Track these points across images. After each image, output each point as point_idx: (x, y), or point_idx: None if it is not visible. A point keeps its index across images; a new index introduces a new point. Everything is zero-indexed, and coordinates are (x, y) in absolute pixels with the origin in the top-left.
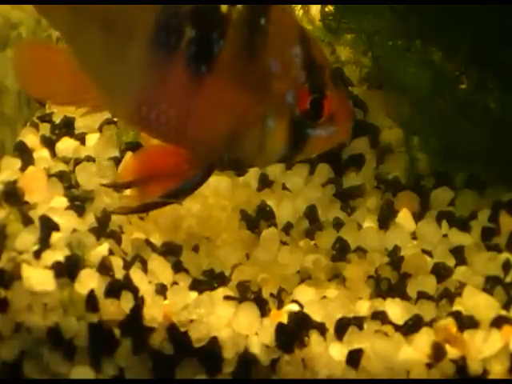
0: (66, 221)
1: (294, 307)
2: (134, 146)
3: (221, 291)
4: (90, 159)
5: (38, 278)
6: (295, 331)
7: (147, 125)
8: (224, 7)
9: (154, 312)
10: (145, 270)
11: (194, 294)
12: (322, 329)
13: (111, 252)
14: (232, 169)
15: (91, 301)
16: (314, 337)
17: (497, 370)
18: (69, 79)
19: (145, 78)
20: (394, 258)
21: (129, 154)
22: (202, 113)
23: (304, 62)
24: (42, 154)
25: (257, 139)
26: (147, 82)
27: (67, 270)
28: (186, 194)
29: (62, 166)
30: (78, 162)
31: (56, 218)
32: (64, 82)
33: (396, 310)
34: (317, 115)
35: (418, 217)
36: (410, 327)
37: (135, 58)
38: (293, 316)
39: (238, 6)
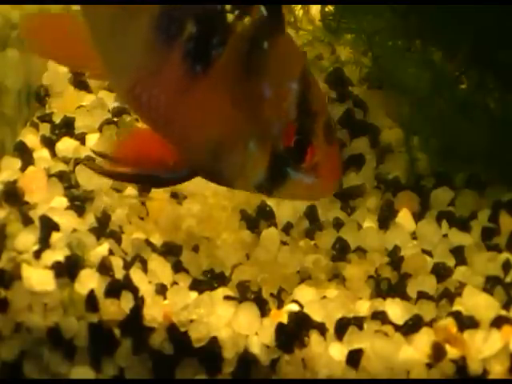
0: (66, 221)
1: (294, 307)
2: None
3: (221, 291)
4: (89, 159)
5: (38, 278)
6: (295, 331)
7: (139, 106)
8: (230, 16)
9: (154, 312)
10: (145, 270)
11: (194, 294)
12: (322, 329)
13: (111, 252)
14: (214, 182)
15: (91, 301)
16: (314, 337)
17: (497, 370)
18: (77, 44)
19: (143, 59)
20: (394, 257)
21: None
22: (188, 111)
23: (298, 100)
24: (42, 153)
25: (237, 158)
26: (145, 62)
27: (67, 270)
28: (156, 186)
29: (62, 166)
30: (78, 162)
31: (56, 218)
32: (71, 45)
33: (396, 310)
34: (299, 157)
35: (418, 217)
36: (410, 327)
37: (138, 38)
38: (293, 316)
39: (245, 20)
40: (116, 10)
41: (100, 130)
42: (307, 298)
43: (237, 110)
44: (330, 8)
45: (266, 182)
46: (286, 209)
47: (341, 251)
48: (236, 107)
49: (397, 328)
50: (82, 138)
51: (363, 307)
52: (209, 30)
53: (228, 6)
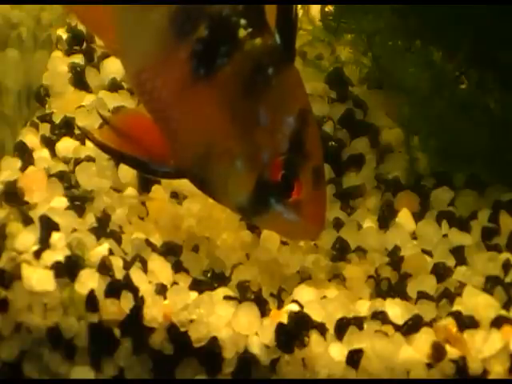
0: (66, 221)
1: (294, 307)
2: None
3: (221, 291)
4: (90, 159)
5: (38, 277)
6: (295, 331)
7: (142, 93)
8: (242, 31)
9: (154, 312)
10: (145, 270)
11: (194, 294)
12: (322, 329)
13: (111, 252)
14: (198, 188)
15: (91, 301)
16: (314, 337)
17: (497, 370)
18: (100, 15)
19: (155, 48)
20: (394, 257)
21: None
22: (184, 111)
23: (292, 136)
24: (42, 154)
25: (222, 172)
26: (155, 52)
27: (67, 270)
28: (142, 172)
29: (62, 166)
30: (78, 162)
31: (56, 218)
32: (94, 15)
33: (396, 310)
34: (285, 192)
35: (418, 217)
36: (410, 327)
37: (155, 26)
38: (293, 316)
39: (256, 40)
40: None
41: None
42: (307, 298)
43: (230, 125)
44: (329, 8)
45: (248, 206)
46: None
47: (341, 251)
48: (230, 121)
49: (397, 328)
50: (81, 138)
51: (363, 307)
52: (219, 37)
53: (243, 21)
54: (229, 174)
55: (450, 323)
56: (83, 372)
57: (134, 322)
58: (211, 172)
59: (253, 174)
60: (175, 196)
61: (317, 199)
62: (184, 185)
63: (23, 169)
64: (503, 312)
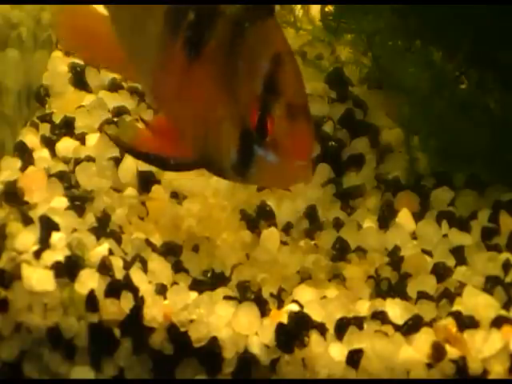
0: (66, 221)
1: (294, 307)
2: None
3: (221, 291)
4: (90, 159)
5: (38, 278)
6: (295, 331)
7: (156, 96)
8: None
9: (154, 312)
10: (145, 270)
11: (194, 294)
12: (322, 329)
13: (111, 252)
14: (209, 170)
15: (91, 301)
16: (314, 337)
17: (497, 370)
18: (102, 39)
19: (157, 52)
20: (394, 257)
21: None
22: (183, 95)
23: (266, 79)
24: (41, 153)
25: (214, 140)
26: (158, 54)
27: (67, 270)
28: (164, 168)
29: (62, 166)
30: (78, 162)
31: (56, 218)
32: (98, 40)
33: (396, 310)
34: (261, 133)
35: (418, 217)
36: (410, 327)
37: (153, 32)
38: (293, 316)
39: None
40: (136, 10)
41: (100, 130)
42: (307, 298)
43: (217, 91)
44: (329, 8)
45: (238, 163)
46: (286, 209)
47: (341, 251)
48: (216, 89)
49: (397, 328)
50: (81, 138)
51: (363, 307)
52: (204, 15)
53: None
54: (220, 138)
55: (449, 323)
56: (83, 372)
57: (134, 321)
58: (210, 145)
59: (237, 128)
60: (175, 196)
61: (295, 133)
62: (184, 185)
63: (23, 169)
64: (503, 312)
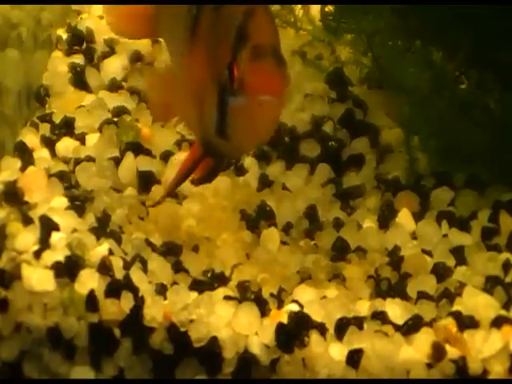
0: (66, 221)
1: (294, 307)
2: (135, 146)
3: (221, 291)
4: (90, 159)
5: (38, 277)
6: (295, 331)
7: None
8: None
9: (154, 312)
10: (145, 270)
11: (194, 294)
12: (322, 329)
13: (111, 252)
14: (210, 151)
15: (91, 301)
16: (314, 337)
17: (497, 370)
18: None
19: (183, 47)
20: (394, 258)
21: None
22: (180, 78)
23: (237, 30)
24: (41, 153)
25: (204, 110)
26: (183, 50)
27: (67, 270)
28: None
29: (62, 166)
30: (78, 162)
31: (56, 218)
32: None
33: (396, 310)
34: (230, 81)
35: (418, 217)
36: (410, 327)
37: (181, 31)
38: (293, 316)
39: None
40: (175, 9)
41: (100, 130)
42: (307, 298)
43: (202, 61)
44: (329, 8)
45: (218, 123)
46: (286, 209)
47: (341, 251)
48: (202, 59)
49: (397, 328)
50: (81, 138)
51: (363, 307)
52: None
53: None
54: (207, 105)
55: (449, 323)
56: (83, 372)
57: (134, 322)
58: (200, 121)
59: (215, 89)
60: (175, 196)
61: (259, 72)
62: (184, 185)
63: (23, 169)
64: (503, 312)
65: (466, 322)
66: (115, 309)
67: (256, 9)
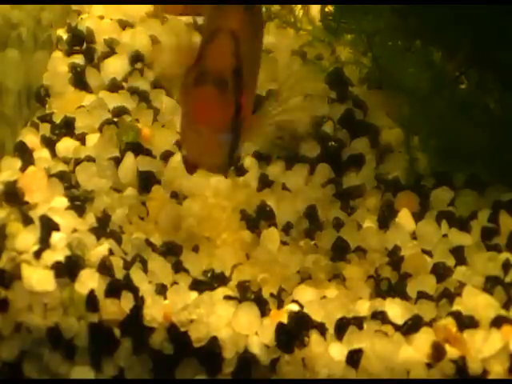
0: (66, 221)
1: (294, 307)
2: (135, 146)
3: (221, 291)
4: (90, 159)
5: (38, 277)
6: (295, 331)
7: None
8: None
9: (154, 312)
10: (145, 269)
11: (194, 294)
12: (322, 329)
13: (111, 252)
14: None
15: (91, 301)
16: (314, 337)
17: (497, 370)
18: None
19: None
20: (394, 257)
21: None
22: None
23: (196, 53)
24: (42, 154)
25: None
26: None
27: (67, 270)
28: None
29: (62, 166)
30: (78, 162)
31: (56, 218)
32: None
33: (396, 310)
34: None
35: (417, 217)
36: (410, 327)
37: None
38: (293, 316)
39: None
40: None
41: (100, 130)
42: (307, 298)
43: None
44: (330, 8)
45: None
46: (286, 209)
47: (341, 251)
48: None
49: (397, 328)
50: (82, 138)
51: (363, 307)
52: None
53: None
54: None
55: (449, 323)
56: (83, 372)
57: (134, 321)
58: None
59: None
60: (175, 196)
61: (196, 99)
62: (184, 185)
63: (23, 169)
64: (503, 312)
65: (466, 322)
66: (115, 309)
67: (219, 32)
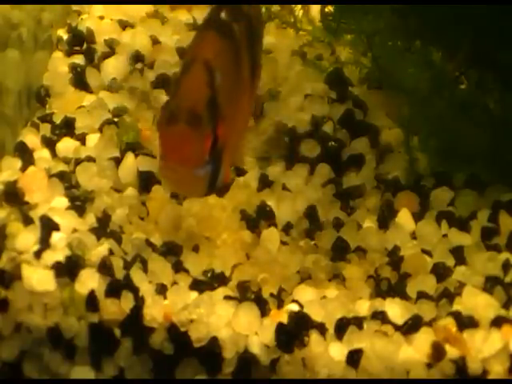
0: (67, 221)
1: (294, 307)
2: (135, 146)
3: (221, 291)
4: (90, 159)
5: (39, 277)
6: (295, 331)
7: None
8: None
9: (154, 312)
10: (145, 269)
11: (194, 294)
12: (321, 329)
13: (111, 252)
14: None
15: (91, 301)
16: (314, 337)
17: (497, 370)
18: None
19: None
20: (394, 257)
21: None
22: None
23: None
24: (42, 154)
25: None
26: None
27: (67, 270)
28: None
29: (62, 166)
30: (78, 162)
31: (56, 218)
32: None
33: (396, 310)
34: None
35: (417, 217)
36: (410, 327)
37: None
38: (293, 316)
39: None
40: None
41: (100, 130)
42: (307, 298)
43: None
44: (329, 8)
45: None
46: (286, 209)
47: (341, 251)
48: None
49: (397, 328)
50: (82, 139)
51: (363, 307)
52: None
53: None
54: None
55: (449, 323)
56: (83, 372)
57: (134, 321)
58: None
59: None
60: (175, 196)
61: (168, 136)
62: None
63: (23, 169)
64: (503, 312)
65: (466, 322)
66: (115, 309)
67: (194, 63)
